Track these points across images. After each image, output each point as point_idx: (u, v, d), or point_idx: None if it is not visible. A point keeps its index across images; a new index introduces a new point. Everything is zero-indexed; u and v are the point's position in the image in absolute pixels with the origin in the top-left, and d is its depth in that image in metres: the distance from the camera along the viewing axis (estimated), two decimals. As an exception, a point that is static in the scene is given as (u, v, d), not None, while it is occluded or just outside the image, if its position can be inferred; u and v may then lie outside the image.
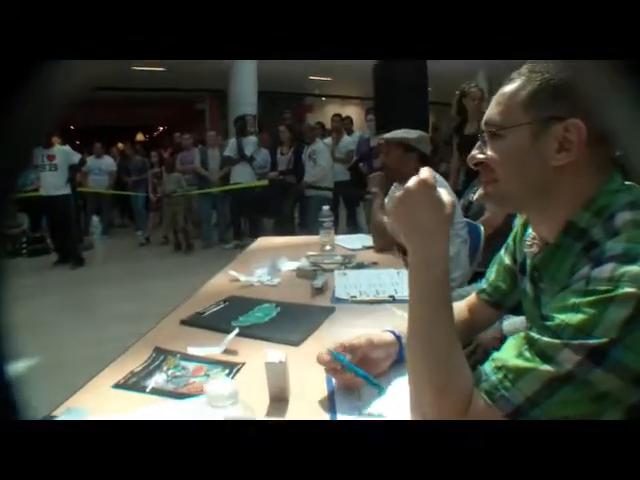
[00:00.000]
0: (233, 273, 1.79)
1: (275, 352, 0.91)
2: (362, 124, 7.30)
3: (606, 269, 0.64)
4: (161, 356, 1.11)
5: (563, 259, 0.77)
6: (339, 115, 6.25)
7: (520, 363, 0.67)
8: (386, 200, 2.47)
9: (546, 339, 0.65)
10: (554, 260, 0.80)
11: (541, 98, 0.76)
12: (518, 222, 1.08)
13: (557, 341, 0.64)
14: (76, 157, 6.05)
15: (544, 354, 0.65)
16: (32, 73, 0.34)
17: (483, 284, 1.14)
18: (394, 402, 0.89)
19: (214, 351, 1.11)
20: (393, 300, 1.48)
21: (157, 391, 0.96)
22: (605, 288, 0.63)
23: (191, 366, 1.06)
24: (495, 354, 0.72)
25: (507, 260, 1.07)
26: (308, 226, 5.84)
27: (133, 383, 1.00)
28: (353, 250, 2.28)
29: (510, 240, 1.08)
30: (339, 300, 1.50)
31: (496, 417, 0.67)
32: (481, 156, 0.84)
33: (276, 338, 1.20)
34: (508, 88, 0.81)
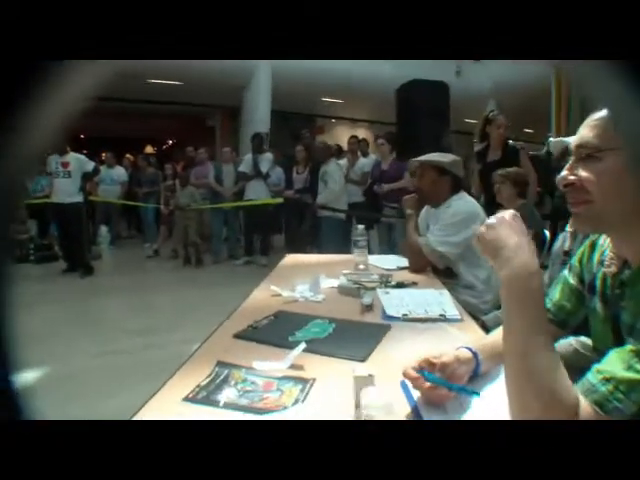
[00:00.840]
0: (275, 288, 1.77)
1: (361, 369, 0.90)
2: (372, 147, 7.35)
3: None
4: (225, 370, 1.08)
5: None
6: (355, 137, 6.28)
7: (631, 375, 0.69)
8: (419, 220, 2.48)
9: None
10: None
11: None
12: (585, 244, 1.09)
13: None
14: (90, 165, 6.05)
15: None
16: (34, 75, 0.34)
17: (546, 303, 1.13)
18: (482, 413, 0.88)
19: (280, 366, 1.09)
20: (445, 319, 1.47)
21: (231, 405, 0.93)
22: None
23: (260, 381, 1.03)
24: (599, 366, 0.74)
25: (572, 280, 1.10)
26: (320, 246, 5.84)
27: (203, 397, 0.96)
28: (389, 270, 2.26)
29: (575, 261, 1.11)
30: (391, 318, 1.48)
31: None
32: (573, 177, 0.85)
33: (341, 354, 1.18)
34: (602, 115, 0.83)
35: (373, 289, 1.83)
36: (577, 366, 1.40)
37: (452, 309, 1.55)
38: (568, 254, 1.67)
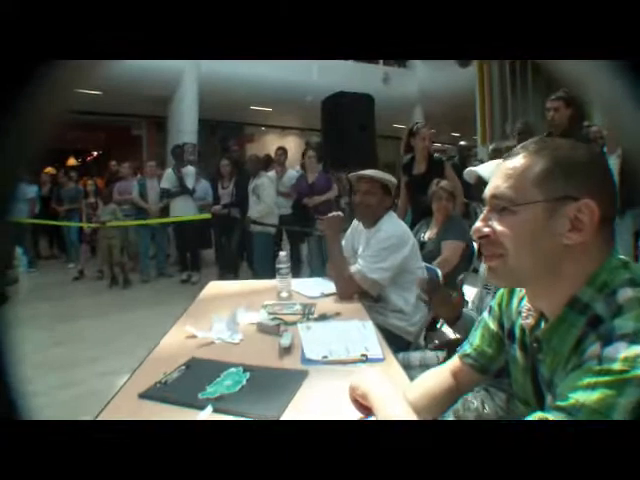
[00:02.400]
0: (190, 329, 1.67)
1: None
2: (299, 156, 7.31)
3: (619, 348, 0.66)
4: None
5: (567, 332, 0.78)
6: (282, 148, 6.20)
7: None
8: (343, 242, 2.42)
9: (561, 420, 0.66)
10: (557, 333, 0.81)
11: (554, 177, 0.78)
12: (503, 290, 1.07)
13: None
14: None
15: None
16: (32, 74, 0.33)
17: (467, 348, 1.13)
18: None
19: (184, 435, 0.99)
20: (366, 359, 1.42)
21: None
22: (620, 368, 0.64)
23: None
24: None
25: (492, 325, 1.08)
26: (251, 262, 5.73)
27: None
28: (312, 298, 2.20)
29: (495, 305, 1.09)
30: (310, 361, 1.42)
31: None
32: (487, 230, 0.83)
33: (253, 413, 1.10)
34: (516, 163, 0.82)
35: (294, 324, 1.76)
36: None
37: (375, 346, 1.51)
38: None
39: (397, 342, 2.20)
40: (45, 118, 0.37)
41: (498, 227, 0.81)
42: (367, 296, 2.18)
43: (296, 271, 6.06)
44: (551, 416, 0.68)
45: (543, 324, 0.88)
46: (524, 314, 0.94)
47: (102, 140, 14.48)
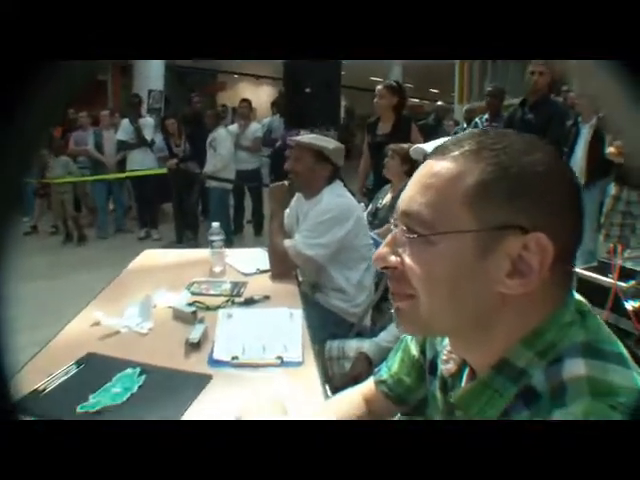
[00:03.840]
0: (98, 315, 1.51)
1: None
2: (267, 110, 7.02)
3: None
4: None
5: (491, 401, 0.59)
6: (247, 100, 5.91)
7: None
8: (286, 214, 2.24)
9: None
10: (478, 400, 0.60)
11: (494, 194, 0.53)
12: None
13: None
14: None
15: None
16: (30, 74, 0.33)
17: (383, 373, 0.93)
18: None
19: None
20: (281, 363, 1.28)
21: None
22: None
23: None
24: None
25: (414, 351, 0.87)
26: (208, 217, 5.52)
27: None
28: (246, 274, 2.05)
29: None
30: (217, 363, 1.28)
31: None
32: (394, 259, 0.60)
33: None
34: (442, 167, 0.57)
35: (215, 309, 1.61)
36: None
37: (295, 346, 1.36)
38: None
39: (339, 324, 2.07)
40: (44, 118, 0.37)
41: (407, 260, 0.58)
42: (306, 273, 2.03)
43: (258, 228, 5.89)
44: None
45: (467, 374, 0.68)
46: (444, 357, 0.72)
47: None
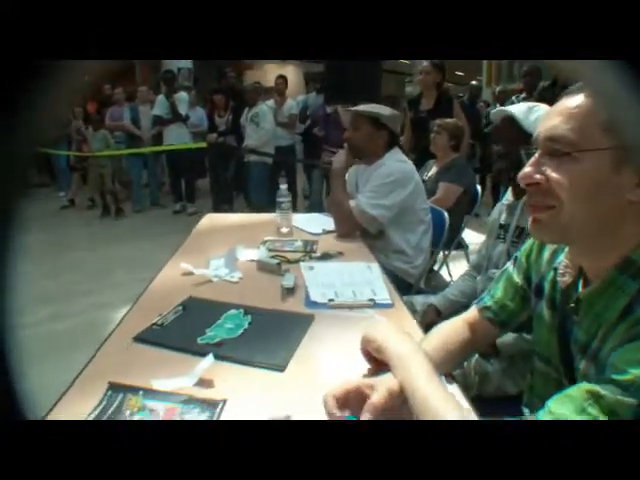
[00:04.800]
0: (186, 266, 1.58)
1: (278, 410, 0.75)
2: (301, 87, 7.03)
3: None
4: (118, 395, 0.89)
5: (614, 297, 0.70)
6: (283, 76, 5.93)
7: (584, 419, 0.61)
8: (347, 178, 2.29)
9: (617, 397, 0.59)
10: (603, 297, 0.72)
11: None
12: (532, 241, 0.99)
13: (631, 400, 0.58)
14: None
15: (613, 412, 0.59)
16: (32, 74, 0.33)
17: (487, 301, 1.05)
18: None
19: (184, 383, 0.92)
20: (374, 304, 1.34)
21: None
22: None
23: (161, 408, 0.86)
24: (552, 405, 0.65)
25: (517, 278, 1.00)
26: (247, 192, 5.60)
27: None
28: (313, 235, 2.11)
29: (522, 257, 1.01)
30: (315, 304, 1.34)
31: None
32: (539, 177, 0.72)
33: (256, 361, 1.02)
34: (582, 102, 0.69)
35: (296, 262, 1.68)
36: (521, 349, 1.36)
37: (382, 291, 1.43)
38: (503, 228, 1.57)
39: (399, 285, 2.13)
40: (46, 118, 0.37)
41: (553, 174, 0.70)
42: (368, 234, 2.09)
43: (292, 204, 5.94)
44: (603, 390, 0.61)
45: (581, 284, 0.80)
46: (561, 270, 0.85)
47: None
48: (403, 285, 2.15)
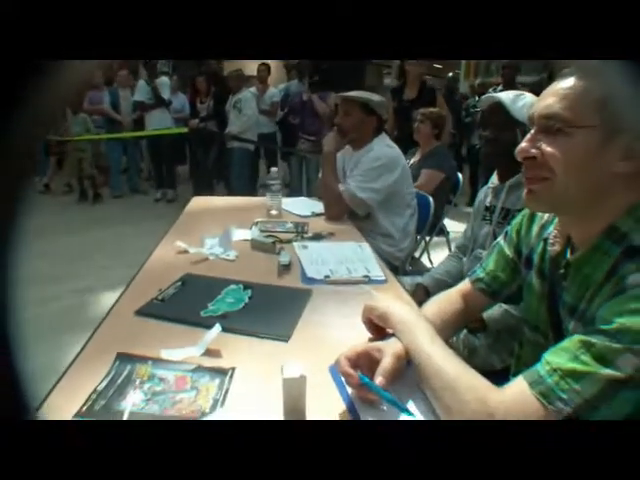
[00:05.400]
0: (181, 244, 1.59)
1: (291, 364, 0.78)
2: (281, 75, 7.00)
3: None
4: (127, 365, 0.91)
5: (601, 260, 0.76)
6: (266, 64, 5.90)
7: (577, 367, 0.66)
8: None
9: (605, 343, 0.65)
10: (591, 261, 0.79)
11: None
12: (524, 214, 1.04)
13: (618, 345, 0.64)
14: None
15: (603, 358, 0.65)
16: (30, 74, 0.33)
17: (479, 273, 1.12)
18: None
19: (192, 353, 0.94)
20: (369, 280, 1.39)
21: (138, 415, 0.77)
22: None
23: (171, 376, 0.88)
24: (548, 356, 0.71)
25: (508, 251, 1.08)
26: (228, 178, 5.58)
27: (102, 409, 0.78)
28: (303, 217, 2.14)
29: (512, 232, 1.08)
30: (311, 280, 1.37)
31: (551, 418, 0.66)
32: (535, 151, 0.79)
33: (261, 332, 1.05)
34: (575, 83, 0.76)
35: (289, 242, 1.71)
36: (507, 324, 1.41)
37: (375, 268, 1.47)
38: (489, 210, 1.62)
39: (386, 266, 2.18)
40: (43, 118, 0.36)
41: (548, 149, 0.77)
42: (356, 217, 2.13)
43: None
44: (593, 339, 0.67)
45: (569, 251, 0.87)
46: (550, 240, 0.92)
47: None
48: (389, 267, 2.20)
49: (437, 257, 3.10)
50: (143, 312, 1.14)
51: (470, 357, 1.46)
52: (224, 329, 1.01)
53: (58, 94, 0.36)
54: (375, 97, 2.22)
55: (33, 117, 0.34)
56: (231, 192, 5.42)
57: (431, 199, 2.52)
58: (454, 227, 3.96)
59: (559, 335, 0.88)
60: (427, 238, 3.06)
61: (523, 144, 0.81)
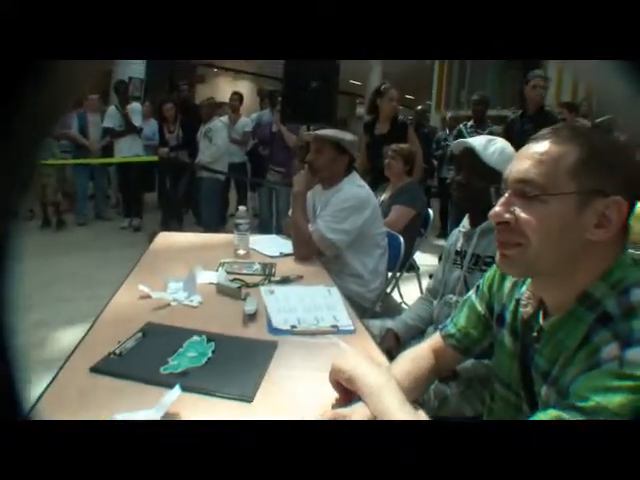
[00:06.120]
0: (143, 288, 1.53)
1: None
2: (254, 104, 7.03)
3: None
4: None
5: (574, 327, 0.76)
6: (238, 93, 5.92)
7: None
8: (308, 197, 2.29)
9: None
10: (564, 327, 0.78)
11: (589, 168, 0.75)
12: (495, 271, 1.02)
13: None
14: None
15: None
16: (30, 73, 0.33)
17: (450, 329, 1.10)
18: None
19: (149, 416, 0.88)
20: (337, 330, 1.35)
21: None
22: None
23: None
24: None
25: (480, 307, 1.06)
26: (198, 208, 5.52)
27: None
28: (271, 257, 2.10)
29: (484, 288, 1.06)
30: (278, 331, 1.33)
31: None
32: (509, 216, 0.78)
33: (224, 391, 1.00)
34: (549, 148, 0.77)
35: (256, 286, 1.66)
36: (479, 373, 1.40)
37: (344, 316, 1.44)
38: (460, 254, 1.62)
39: (354, 308, 2.14)
40: (43, 118, 0.37)
41: (522, 215, 0.76)
42: (325, 256, 2.10)
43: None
44: (568, 416, 0.66)
45: (542, 314, 0.86)
46: (523, 302, 0.91)
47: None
48: (358, 309, 2.17)
49: (407, 291, 3.11)
50: (98, 369, 1.07)
51: (441, 407, 1.43)
52: (184, 388, 0.96)
53: (60, 94, 0.37)
54: (347, 136, 2.21)
55: (33, 117, 0.35)
56: (200, 222, 5.36)
57: (401, 239, 2.51)
58: (425, 260, 3.98)
59: (531, 395, 0.87)
60: (398, 274, 3.06)
61: (497, 208, 0.80)
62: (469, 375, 1.44)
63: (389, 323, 1.87)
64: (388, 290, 3.06)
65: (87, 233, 5.80)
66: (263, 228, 4.85)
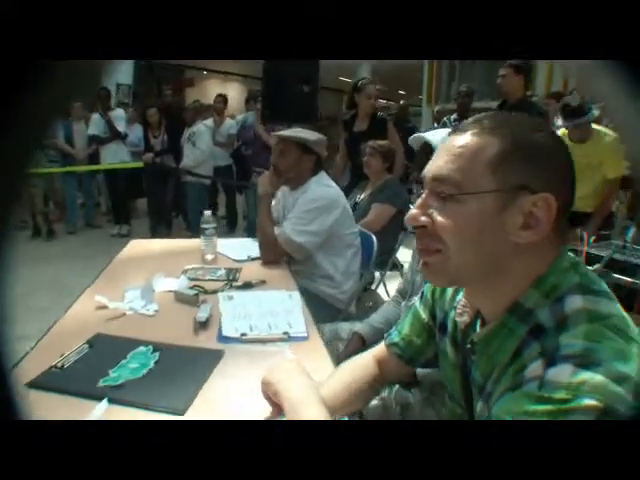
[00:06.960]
0: (100, 298, 1.53)
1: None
2: (241, 105, 7.01)
3: (563, 372, 0.56)
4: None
5: (506, 339, 0.69)
6: (222, 95, 5.90)
7: None
8: (273, 202, 2.27)
9: None
10: (496, 339, 0.71)
11: (512, 162, 0.66)
12: None
13: None
14: None
15: None
16: (30, 74, 0.33)
17: (394, 337, 1.04)
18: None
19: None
20: (288, 338, 1.34)
21: None
22: (562, 397, 0.55)
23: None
24: None
25: (424, 314, 0.99)
26: (185, 212, 5.52)
27: None
28: (238, 261, 2.09)
29: (428, 294, 0.99)
30: (227, 339, 1.32)
31: None
32: (425, 219, 0.69)
33: (156, 405, 0.99)
34: (467, 140, 0.68)
35: (214, 292, 1.65)
36: (438, 379, 1.37)
37: (299, 322, 1.42)
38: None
39: (327, 310, 2.13)
40: (43, 119, 0.37)
41: (438, 218, 0.67)
42: (295, 259, 2.09)
43: (232, 224, 5.93)
44: None
45: (479, 324, 0.79)
46: (459, 310, 0.84)
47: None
48: (332, 311, 2.15)
49: (394, 289, 3.07)
50: (35, 384, 1.07)
51: (403, 413, 1.41)
52: (116, 401, 0.96)
53: (60, 94, 0.37)
54: (313, 135, 2.16)
55: (33, 117, 0.35)
56: (189, 226, 5.35)
57: (374, 237, 2.50)
58: (409, 256, 3.94)
59: (471, 410, 0.82)
60: (382, 272, 3.04)
61: (413, 210, 0.71)
62: (431, 379, 1.42)
63: (357, 326, 1.86)
64: (373, 287, 3.05)
65: (77, 241, 5.80)
66: (251, 230, 4.84)
